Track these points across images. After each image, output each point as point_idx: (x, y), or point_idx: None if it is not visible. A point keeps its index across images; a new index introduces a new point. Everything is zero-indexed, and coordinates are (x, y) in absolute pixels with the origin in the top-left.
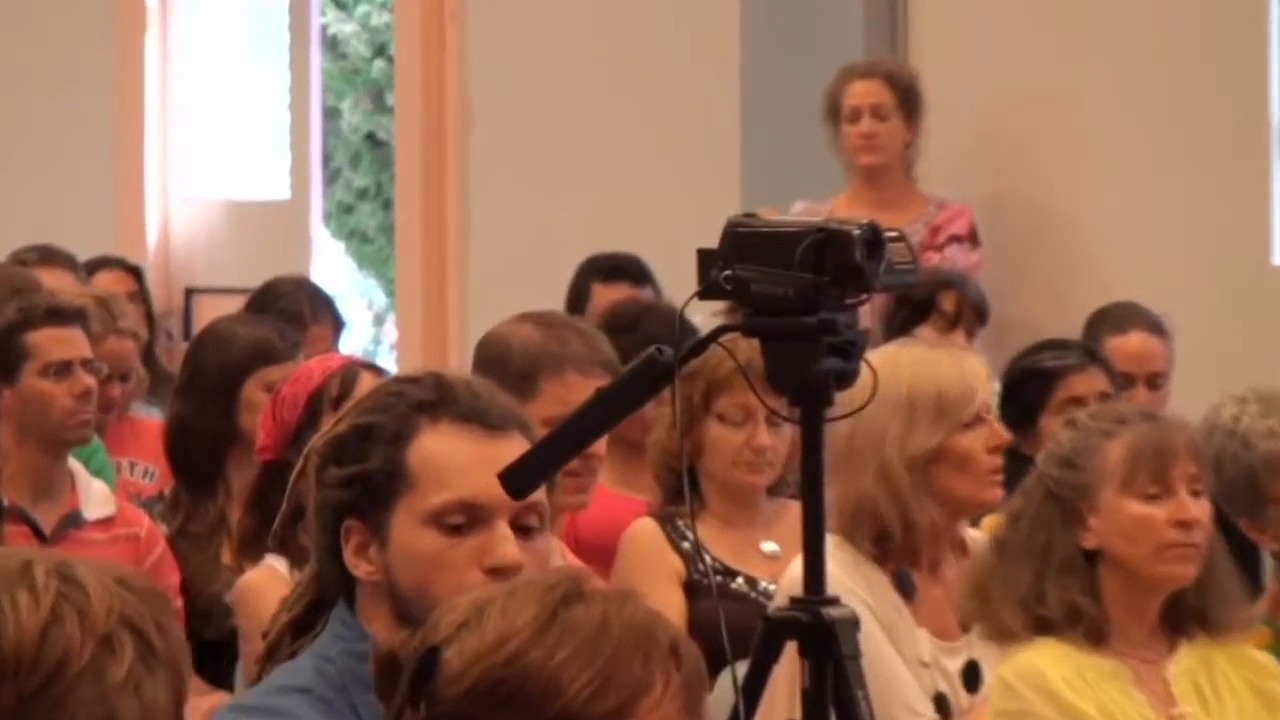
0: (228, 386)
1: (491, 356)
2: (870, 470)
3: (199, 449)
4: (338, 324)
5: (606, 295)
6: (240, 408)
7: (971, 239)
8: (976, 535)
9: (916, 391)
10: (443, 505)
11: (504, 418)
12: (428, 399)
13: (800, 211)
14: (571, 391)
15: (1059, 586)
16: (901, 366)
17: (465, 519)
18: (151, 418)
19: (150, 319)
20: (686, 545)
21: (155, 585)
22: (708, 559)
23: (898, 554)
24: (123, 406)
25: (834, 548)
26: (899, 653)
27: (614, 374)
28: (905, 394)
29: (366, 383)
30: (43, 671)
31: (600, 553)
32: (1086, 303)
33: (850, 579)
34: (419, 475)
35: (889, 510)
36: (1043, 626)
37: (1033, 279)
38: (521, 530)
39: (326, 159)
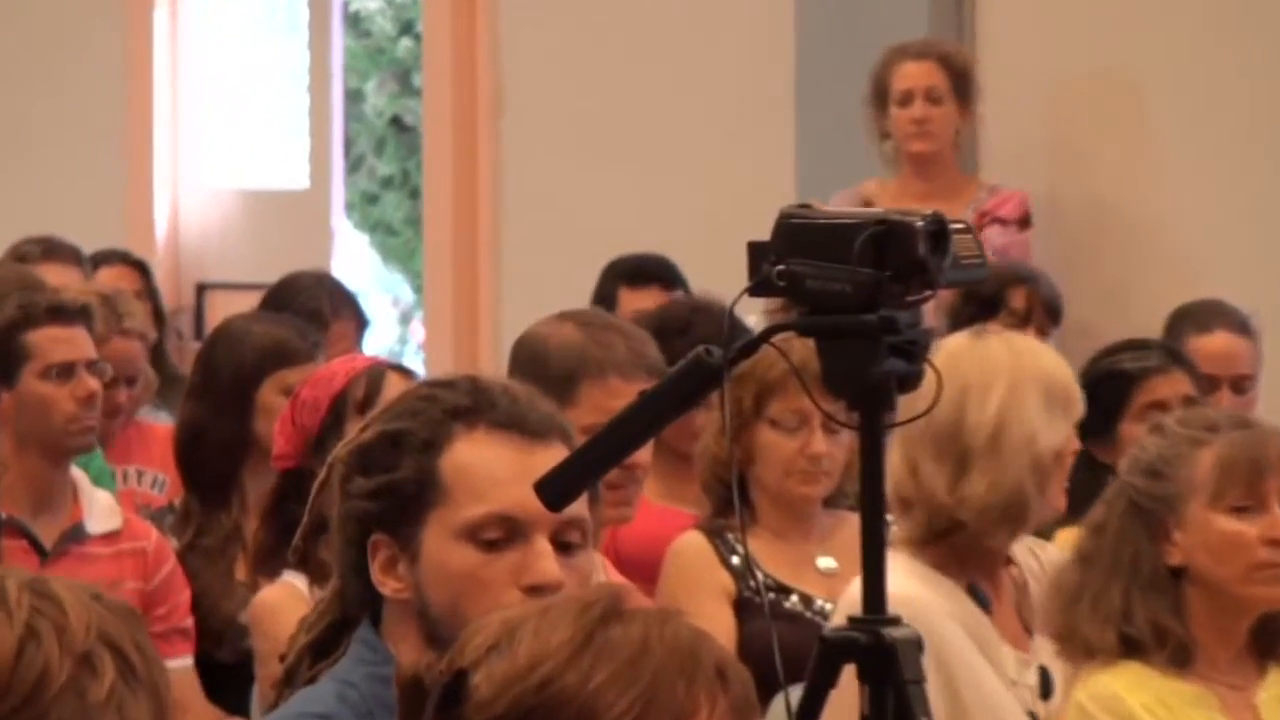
0: (242, 389)
1: (528, 358)
2: (1025, 461)
3: (212, 456)
4: (361, 322)
5: (634, 301)
6: (256, 412)
7: (1020, 222)
8: (1020, 543)
9: (1048, 383)
10: (478, 519)
11: (544, 425)
12: (462, 404)
13: (837, 200)
14: (613, 397)
15: (1145, 605)
16: (1024, 357)
17: (502, 533)
18: (160, 423)
19: (159, 317)
20: (736, 561)
21: (130, 605)
22: (759, 575)
23: (970, 564)
24: (129, 411)
25: (907, 561)
26: None
27: (659, 378)
28: (1042, 385)
29: (394, 385)
30: (20, 691)
31: (644, 569)
32: (1154, 302)
33: (930, 592)
34: (453, 486)
35: (1038, 506)
36: (1130, 646)
37: (1098, 276)
38: (562, 546)
39: (349, 145)
